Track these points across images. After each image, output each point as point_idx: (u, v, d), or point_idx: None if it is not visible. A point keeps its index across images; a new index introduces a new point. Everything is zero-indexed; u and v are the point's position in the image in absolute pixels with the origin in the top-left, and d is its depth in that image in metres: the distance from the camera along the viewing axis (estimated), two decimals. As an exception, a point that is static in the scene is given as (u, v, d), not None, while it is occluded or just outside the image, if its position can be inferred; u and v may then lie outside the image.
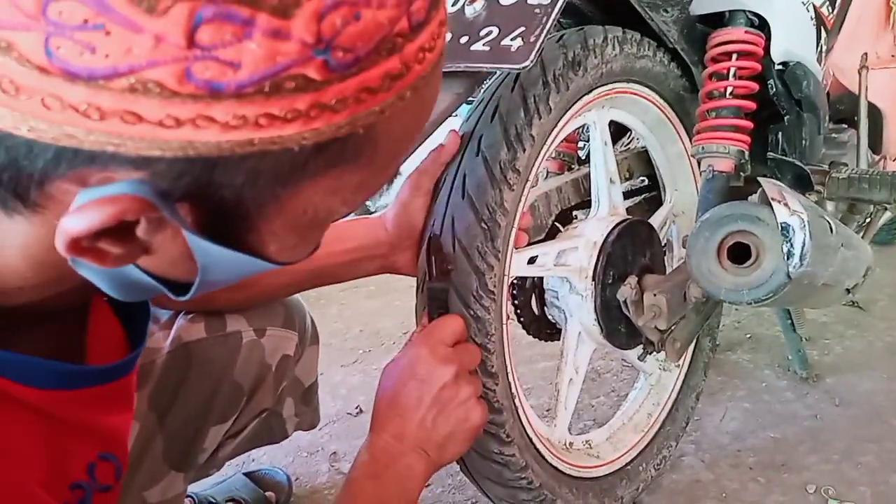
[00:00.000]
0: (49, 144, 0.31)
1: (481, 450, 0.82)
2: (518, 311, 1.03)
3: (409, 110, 0.38)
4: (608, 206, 1.03)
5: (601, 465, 1.01)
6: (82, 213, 0.33)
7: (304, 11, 0.31)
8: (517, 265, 0.89)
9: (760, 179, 0.85)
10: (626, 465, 1.04)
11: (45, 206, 0.36)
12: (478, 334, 0.78)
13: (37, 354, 0.46)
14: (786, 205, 0.81)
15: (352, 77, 0.33)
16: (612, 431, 1.10)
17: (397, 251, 0.84)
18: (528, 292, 1.03)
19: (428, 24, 0.37)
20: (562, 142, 1.12)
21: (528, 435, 0.88)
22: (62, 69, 0.30)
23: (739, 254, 0.85)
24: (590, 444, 1.03)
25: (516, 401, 0.86)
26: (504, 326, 0.83)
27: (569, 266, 0.95)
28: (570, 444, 0.97)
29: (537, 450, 0.90)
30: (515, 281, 1.01)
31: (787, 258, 0.80)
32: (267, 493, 1.21)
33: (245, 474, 1.25)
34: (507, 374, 0.83)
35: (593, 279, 0.94)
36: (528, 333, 1.05)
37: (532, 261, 0.93)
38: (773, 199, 0.82)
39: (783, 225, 0.80)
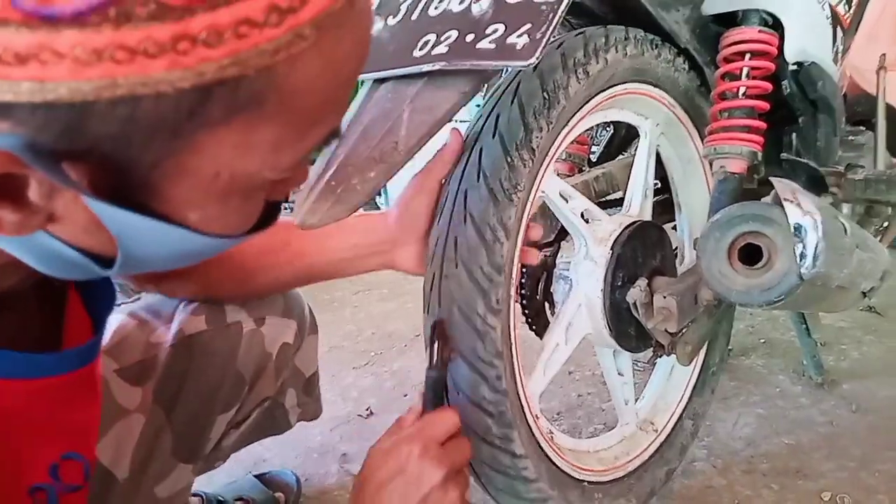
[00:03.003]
0: None
1: (463, 309, 0.77)
2: (522, 281, 1.04)
3: (318, 54, 0.34)
4: (637, 212, 1.04)
5: (559, 457, 0.95)
6: None
7: None
8: (552, 187, 0.89)
9: (772, 179, 0.84)
10: (583, 480, 0.98)
11: None
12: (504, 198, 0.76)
13: (2, 346, 0.45)
14: (798, 205, 0.79)
15: (224, 6, 0.30)
16: (576, 447, 1.04)
17: (398, 247, 0.83)
18: (538, 270, 1.04)
19: None
20: (572, 143, 1.12)
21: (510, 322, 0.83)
22: None
23: (751, 255, 0.84)
24: (552, 436, 0.96)
25: (513, 290, 0.82)
26: (526, 214, 0.81)
27: (592, 227, 0.96)
28: (537, 417, 0.91)
29: (514, 366, 0.84)
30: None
31: (800, 259, 0.79)
32: (276, 494, 1.21)
33: (255, 476, 1.25)
34: (511, 271, 0.81)
35: (611, 248, 0.94)
36: (523, 312, 1.05)
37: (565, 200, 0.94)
38: (785, 199, 0.80)
39: (795, 226, 0.79)
